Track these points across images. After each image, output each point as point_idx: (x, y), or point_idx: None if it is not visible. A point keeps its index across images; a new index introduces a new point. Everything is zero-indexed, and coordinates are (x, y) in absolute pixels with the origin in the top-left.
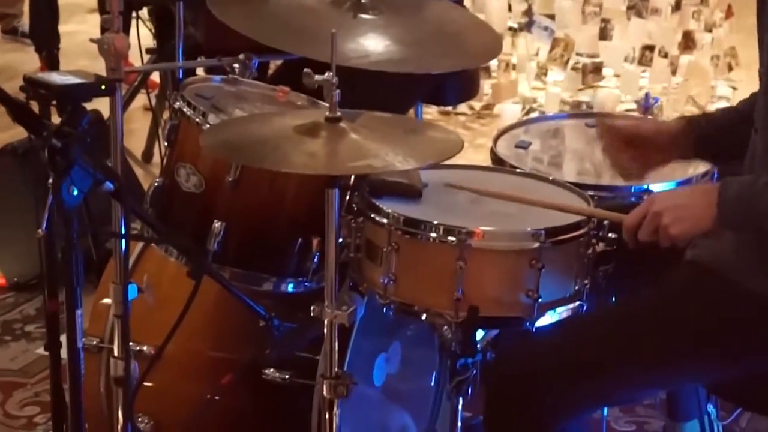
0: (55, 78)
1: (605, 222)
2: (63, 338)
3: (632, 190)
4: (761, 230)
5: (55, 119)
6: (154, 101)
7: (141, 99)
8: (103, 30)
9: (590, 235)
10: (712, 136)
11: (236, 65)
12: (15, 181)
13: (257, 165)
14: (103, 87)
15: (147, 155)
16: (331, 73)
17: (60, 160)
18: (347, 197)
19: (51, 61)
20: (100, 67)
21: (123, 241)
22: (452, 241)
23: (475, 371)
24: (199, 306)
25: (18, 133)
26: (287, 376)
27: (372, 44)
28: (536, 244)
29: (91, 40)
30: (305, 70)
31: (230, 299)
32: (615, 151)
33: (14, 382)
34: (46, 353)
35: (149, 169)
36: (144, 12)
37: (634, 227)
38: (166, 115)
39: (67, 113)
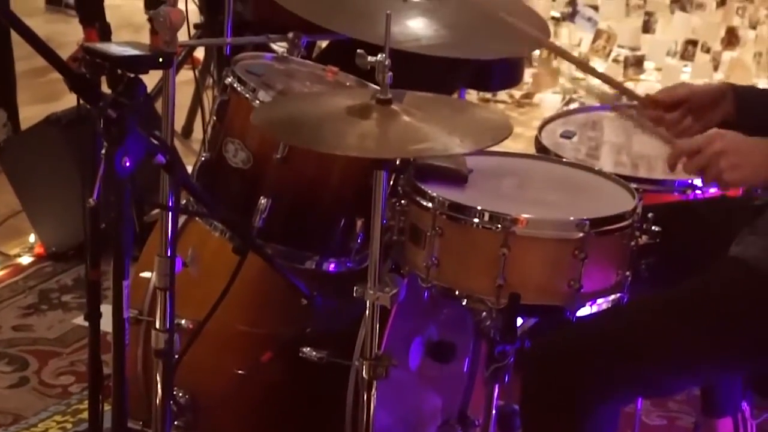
0: (114, 49)
1: (649, 215)
2: (102, 308)
3: (675, 184)
4: None
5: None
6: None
7: (181, 74)
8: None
9: (634, 226)
10: (756, 105)
11: (284, 44)
12: (58, 152)
13: (311, 146)
14: (160, 60)
15: (186, 130)
16: (384, 55)
17: (114, 130)
18: (392, 180)
19: (104, 33)
20: (141, 40)
21: (171, 214)
22: (496, 228)
23: (512, 358)
24: (240, 282)
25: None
26: (324, 355)
27: (421, 28)
28: (580, 234)
29: (147, 13)
30: (358, 51)
31: (272, 276)
32: (662, 117)
33: (50, 351)
34: (83, 323)
35: (189, 144)
36: None
37: (684, 154)
38: (208, 91)
39: (124, 84)
